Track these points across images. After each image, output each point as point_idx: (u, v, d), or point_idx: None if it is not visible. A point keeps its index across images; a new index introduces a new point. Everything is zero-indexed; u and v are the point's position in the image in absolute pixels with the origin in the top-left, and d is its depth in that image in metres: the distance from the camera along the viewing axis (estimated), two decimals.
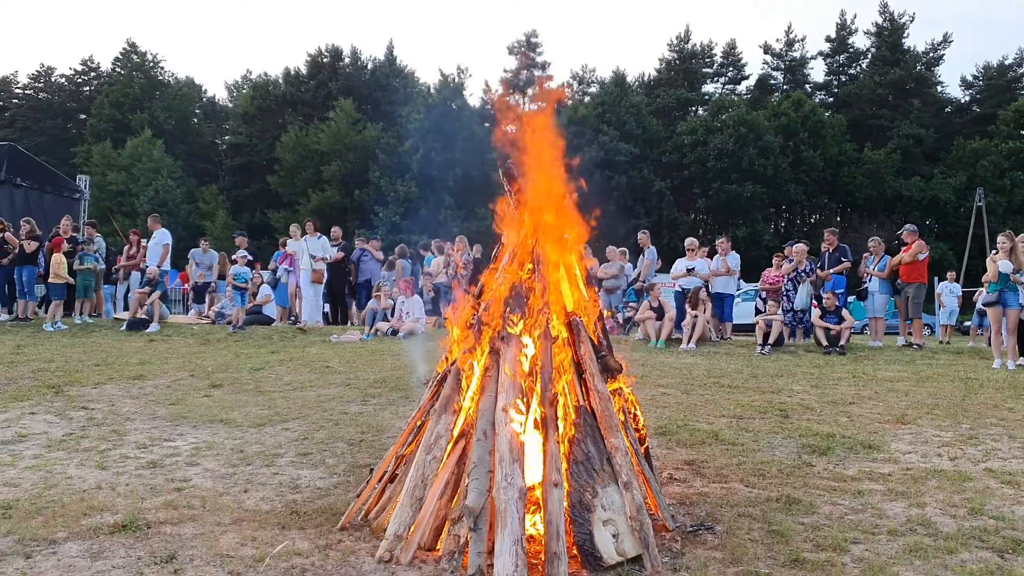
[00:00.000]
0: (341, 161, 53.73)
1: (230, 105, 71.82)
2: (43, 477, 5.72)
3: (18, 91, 72.13)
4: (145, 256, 17.92)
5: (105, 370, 11.00)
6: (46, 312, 18.61)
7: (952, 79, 71.32)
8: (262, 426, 7.62)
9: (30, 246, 16.79)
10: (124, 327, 16.12)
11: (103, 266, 18.71)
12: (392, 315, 16.29)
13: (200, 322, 17.67)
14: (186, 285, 21.67)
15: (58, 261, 16.59)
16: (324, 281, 16.42)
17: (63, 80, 71.90)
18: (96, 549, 4.26)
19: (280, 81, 64.97)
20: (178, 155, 59.55)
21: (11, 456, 6.30)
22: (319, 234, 16.87)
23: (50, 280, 16.71)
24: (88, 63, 71.92)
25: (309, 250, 16.31)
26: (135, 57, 66.87)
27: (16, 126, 66.06)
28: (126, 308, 18.54)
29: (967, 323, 24.05)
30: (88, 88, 70.85)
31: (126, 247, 19.31)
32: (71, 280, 16.88)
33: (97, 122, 62.24)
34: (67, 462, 6.15)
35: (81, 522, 4.68)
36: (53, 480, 5.65)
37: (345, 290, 19.31)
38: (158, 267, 17.15)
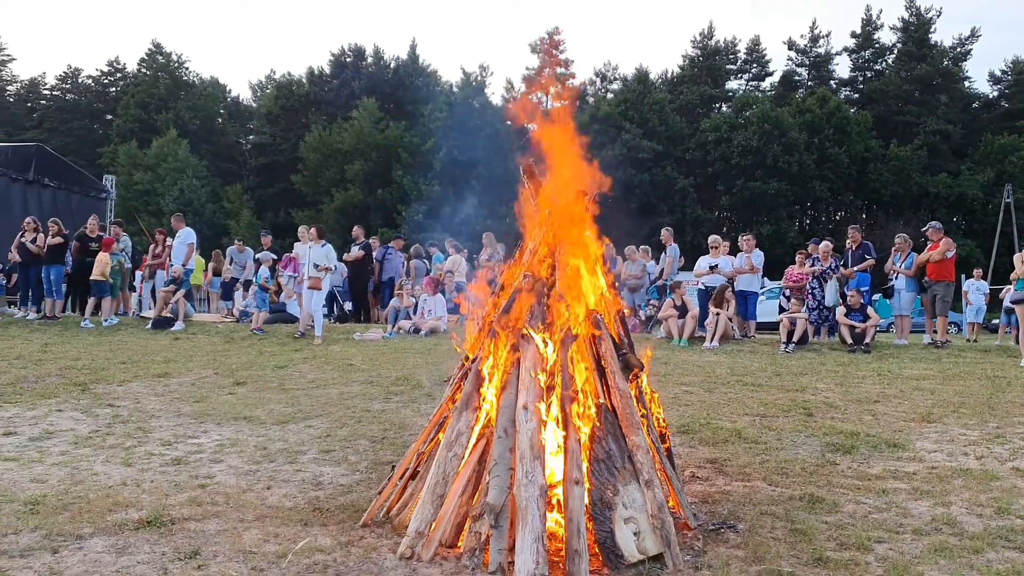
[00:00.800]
0: (364, 160, 53.93)
1: (254, 105, 72.25)
2: (70, 473, 5.78)
3: (46, 92, 73.02)
4: (171, 255, 18.05)
5: (131, 368, 11.10)
6: (75, 311, 18.83)
7: (980, 74, 70.82)
8: (285, 423, 7.67)
9: (53, 240, 16.98)
10: (149, 325, 16.25)
11: (130, 264, 18.89)
12: (414, 313, 16.35)
13: (224, 320, 17.80)
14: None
15: (104, 261, 16.75)
16: (321, 288, 15.36)
17: (90, 81, 72.68)
18: (121, 544, 4.31)
19: (303, 81, 65.28)
20: (203, 155, 60.02)
21: (39, 452, 6.37)
22: (323, 242, 15.67)
23: (92, 278, 16.85)
24: (114, 64, 72.67)
25: (312, 258, 15.23)
26: (160, 58, 67.48)
27: (44, 127, 66.84)
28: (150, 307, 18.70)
29: (995, 321, 23.80)
30: (114, 89, 71.54)
31: (152, 246, 19.47)
32: (111, 279, 17.06)
33: (123, 122, 62.88)
34: (93, 459, 6.22)
35: (107, 518, 4.73)
36: (79, 476, 5.71)
37: (367, 288, 19.40)
38: (183, 266, 17.27)
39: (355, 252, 18.77)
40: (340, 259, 18.87)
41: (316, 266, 15.04)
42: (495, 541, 3.98)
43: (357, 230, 19.91)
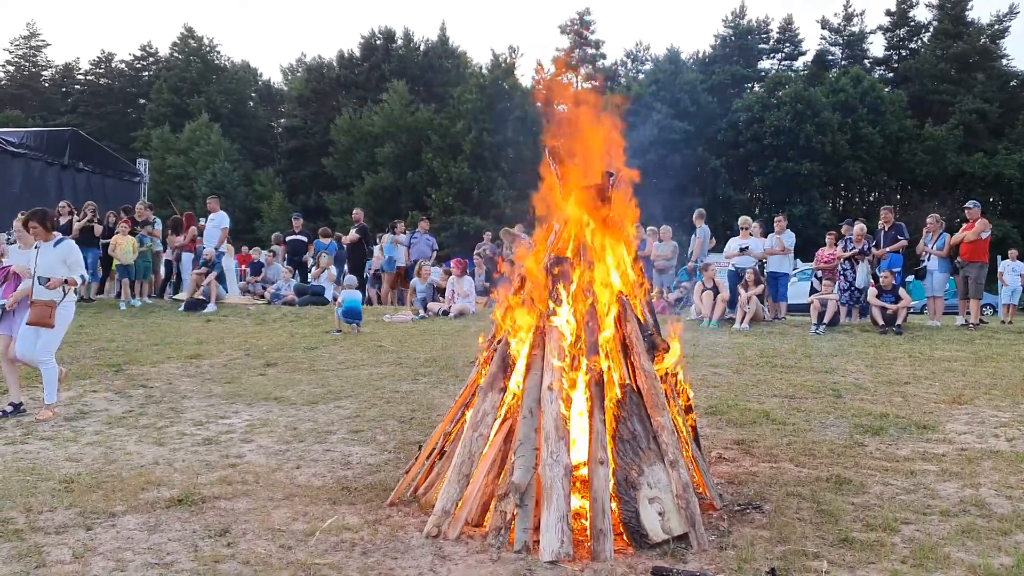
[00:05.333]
0: (394, 143, 53.92)
1: (285, 88, 72.40)
2: (104, 452, 5.89)
3: (80, 77, 73.79)
4: (197, 238, 18.17)
5: (163, 349, 11.24)
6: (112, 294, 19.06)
7: (1018, 52, 69.11)
8: (315, 404, 7.75)
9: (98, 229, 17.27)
10: (182, 307, 16.43)
11: (160, 247, 19.06)
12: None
13: (256, 302, 17.95)
14: (243, 266, 21.89)
15: (115, 242, 16.95)
16: (54, 324, 7.52)
17: (123, 66, 73.29)
18: (153, 522, 4.39)
19: (334, 64, 65.34)
20: (235, 138, 60.27)
21: (73, 432, 6.49)
22: (57, 236, 7.94)
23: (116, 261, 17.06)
24: (147, 48, 73.23)
25: (41, 268, 7.56)
26: (192, 42, 67.78)
27: (78, 111, 67.54)
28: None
29: None
30: (147, 73, 72.09)
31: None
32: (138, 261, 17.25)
33: (156, 107, 63.36)
34: (126, 438, 6.32)
35: (139, 496, 4.82)
36: (113, 455, 5.81)
37: (364, 273, 19.51)
38: (215, 249, 17.39)
39: (352, 235, 18.92)
40: (339, 242, 18.81)
41: (42, 280, 7.58)
42: (520, 520, 4.01)
43: (357, 212, 20.09)
